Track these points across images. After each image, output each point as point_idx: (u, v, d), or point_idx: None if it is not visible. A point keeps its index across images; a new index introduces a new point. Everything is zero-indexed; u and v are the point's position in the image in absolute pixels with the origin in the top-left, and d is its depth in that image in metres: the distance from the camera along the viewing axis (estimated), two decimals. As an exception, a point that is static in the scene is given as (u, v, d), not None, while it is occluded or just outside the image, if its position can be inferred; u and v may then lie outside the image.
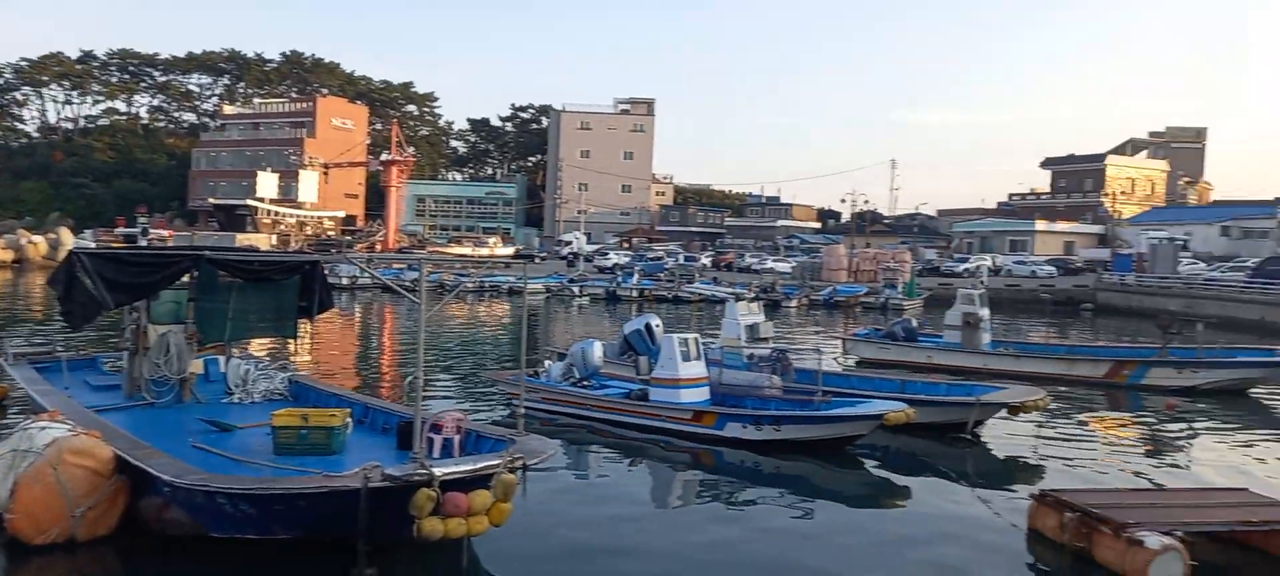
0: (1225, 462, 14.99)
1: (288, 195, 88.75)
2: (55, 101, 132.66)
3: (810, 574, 9.37)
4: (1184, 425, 18.29)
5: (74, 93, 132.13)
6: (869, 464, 14.13)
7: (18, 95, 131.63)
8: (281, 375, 14.39)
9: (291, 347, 15.35)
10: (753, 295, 24.23)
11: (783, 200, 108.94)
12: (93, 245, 75.27)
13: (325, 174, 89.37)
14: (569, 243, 79.29)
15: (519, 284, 53.06)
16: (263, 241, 67.73)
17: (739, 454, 14.32)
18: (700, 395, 15.47)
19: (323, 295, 14.52)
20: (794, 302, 48.89)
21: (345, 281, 49.78)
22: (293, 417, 10.44)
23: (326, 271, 14.90)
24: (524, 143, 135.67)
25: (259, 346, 20.09)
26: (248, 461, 9.31)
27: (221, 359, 14.07)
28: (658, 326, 19.55)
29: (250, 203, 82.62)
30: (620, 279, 55.32)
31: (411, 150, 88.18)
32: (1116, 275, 57.37)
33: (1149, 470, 14.41)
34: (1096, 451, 15.93)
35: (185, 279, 13.34)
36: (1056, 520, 9.95)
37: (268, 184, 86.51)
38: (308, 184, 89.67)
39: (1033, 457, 14.97)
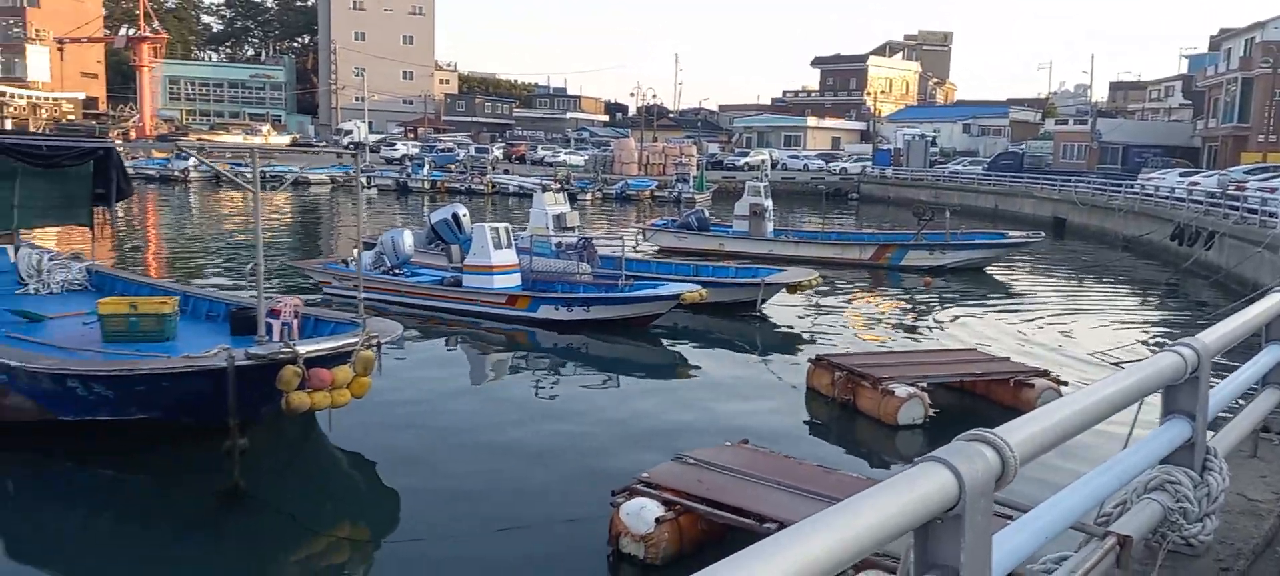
0: (963, 327, 17.86)
1: (11, 73, 78.33)
2: None
3: (620, 430, 10.70)
4: (934, 297, 21.31)
5: None
6: (667, 340, 15.68)
7: None
8: (77, 265, 13.82)
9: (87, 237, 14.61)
10: (558, 187, 25.04)
11: (569, 92, 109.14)
12: None
13: (61, 50, 79.35)
14: (350, 132, 75.91)
15: (303, 175, 50.80)
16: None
17: (551, 334, 15.44)
18: (512, 281, 16.35)
19: (121, 182, 13.84)
20: (588, 196, 50.23)
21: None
22: (121, 305, 10.34)
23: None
24: (289, 21, 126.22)
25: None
26: (81, 349, 9.26)
27: (10, 249, 13.30)
28: (465, 216, 20.09)
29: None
30: (411, 170, 54.23)
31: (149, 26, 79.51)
32: (876, 169, 63.05)
33: (902, 336, 17.00)
34: (863, 322, 18.46)
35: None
36: (829, 378, 11.78)
37: (-15, 60, 75.88)
38: (37, 60, 79.40)
39: (809, 329, 17.15)
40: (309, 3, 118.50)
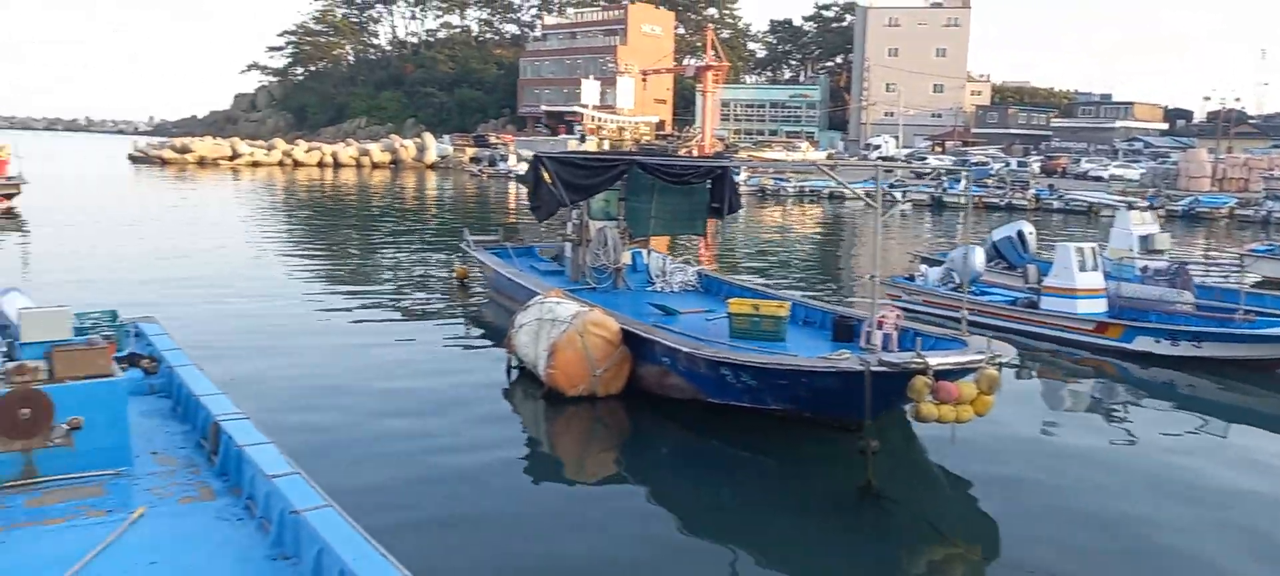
0: None
1: (606, 102, 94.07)
2: (403, 17, 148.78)
3: (1240, 494, 9.15)
4: None
5: (417, 8, 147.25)
6: (1297, 389, 13.19)
7: (372, 13, 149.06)
8: (691, 268, 15.97)
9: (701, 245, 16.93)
10: (1145, 204, 22.57)
11: (1117, 99, 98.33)
12: (450, 149, 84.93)
13: (644, 80, 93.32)
14: (877, 146, 77.29)
15: (838, 189, 52.95)
16: (592, 147, 72.59)
17: (1148, 369, 13.93)
18: (1098, 306, 15.12)
19: (732, 198, 15.80)
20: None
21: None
22: (745, 306, 11.70)
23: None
24: (826, 43, 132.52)
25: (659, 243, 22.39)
26: (715, 341, 10.68)
27: (644, 252, 15.87)
28: (1031, 233, 19.13)
29: (576, 109, 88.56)
30: (946, 185, 53.39)
31: (714, 55, 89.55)
32: None
33: None
34: None
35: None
36: None
37: (591, 91, 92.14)
38: (625, 90, 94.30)
39: None
40: (846, 23, 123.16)
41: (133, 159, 76.83)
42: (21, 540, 6.03)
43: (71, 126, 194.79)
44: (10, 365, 6.97)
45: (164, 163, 74.40)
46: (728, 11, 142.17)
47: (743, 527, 7.92)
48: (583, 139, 78.28)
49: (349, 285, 19.61)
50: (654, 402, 10.60)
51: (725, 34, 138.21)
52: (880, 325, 11.00)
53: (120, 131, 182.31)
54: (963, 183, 50.17)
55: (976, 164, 64.90)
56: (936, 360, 8.45)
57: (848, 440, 8.94)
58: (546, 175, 14.28)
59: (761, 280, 23.28)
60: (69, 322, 7.36)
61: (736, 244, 34.52)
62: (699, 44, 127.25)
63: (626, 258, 15.34)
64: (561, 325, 10.44)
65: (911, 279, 18.57)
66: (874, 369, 8.33)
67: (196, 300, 16.40)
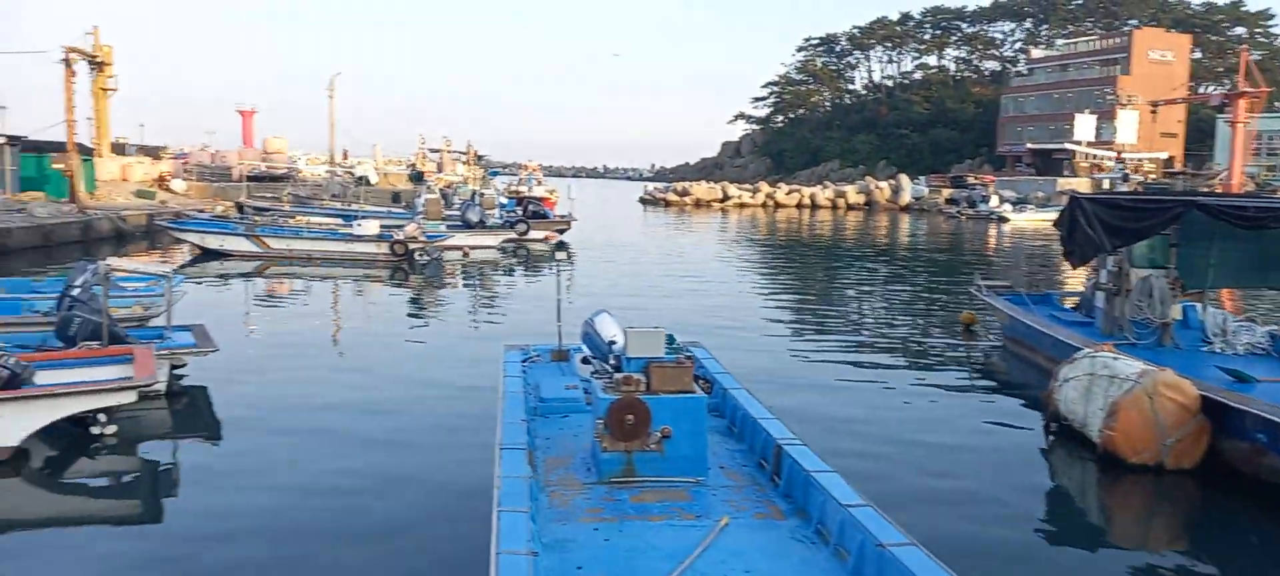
0: None
1: (1102, 137, 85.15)
2: (879, 61, 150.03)
3: None
4: None
5: (894, 52, 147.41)
6: None
7: (850, 60, 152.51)
8: (1259, 328, 13.48)
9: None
10: None
11: None
12: (926, 190, 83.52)
13: (1153, 113, 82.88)
14: None
15: None
16: (1082, 186, 66.13)
17: None
18: None
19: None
20: None
21: None
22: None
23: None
24: None
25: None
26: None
27: (1199, 306, 13.78)
28: None
29: (1068, 146, 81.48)
30: None
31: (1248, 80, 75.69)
32: None
33: None
34: None
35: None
36: None
37: (1085, 127, 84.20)
38: (1128, 124, 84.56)
39: None
40: None
41: (642, 201, 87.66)
42: (636, 530, 6.84)
43: (592, 173, 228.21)
44: (619, 376, 8.05)
45: (667, 204, 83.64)
46: (1261, 29, 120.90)
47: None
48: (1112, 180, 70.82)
49: (850, 324, 19.95)
50: (1239, 484, 9.01)
51: (1256, 55, 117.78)
52: None
53: (628, 177, 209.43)
54: None
55: None
56: None
57: None
58: (1083, 218, 13.08)
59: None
60: (663, 342, 8.29)
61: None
62: (1220, 69, 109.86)
63: (1176, 311, 13.44)
64: (1124, 383, 9.37)
65: None
66: None
67: (716, 328, 17.79)
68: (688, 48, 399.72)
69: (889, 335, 18.29)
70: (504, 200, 41.74)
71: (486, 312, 20.44)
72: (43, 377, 9.16)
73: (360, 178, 54.44)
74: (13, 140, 37.61)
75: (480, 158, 58.71)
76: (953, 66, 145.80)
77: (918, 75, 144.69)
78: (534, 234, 36.87)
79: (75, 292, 12.51)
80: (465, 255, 31.56)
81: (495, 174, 59.16)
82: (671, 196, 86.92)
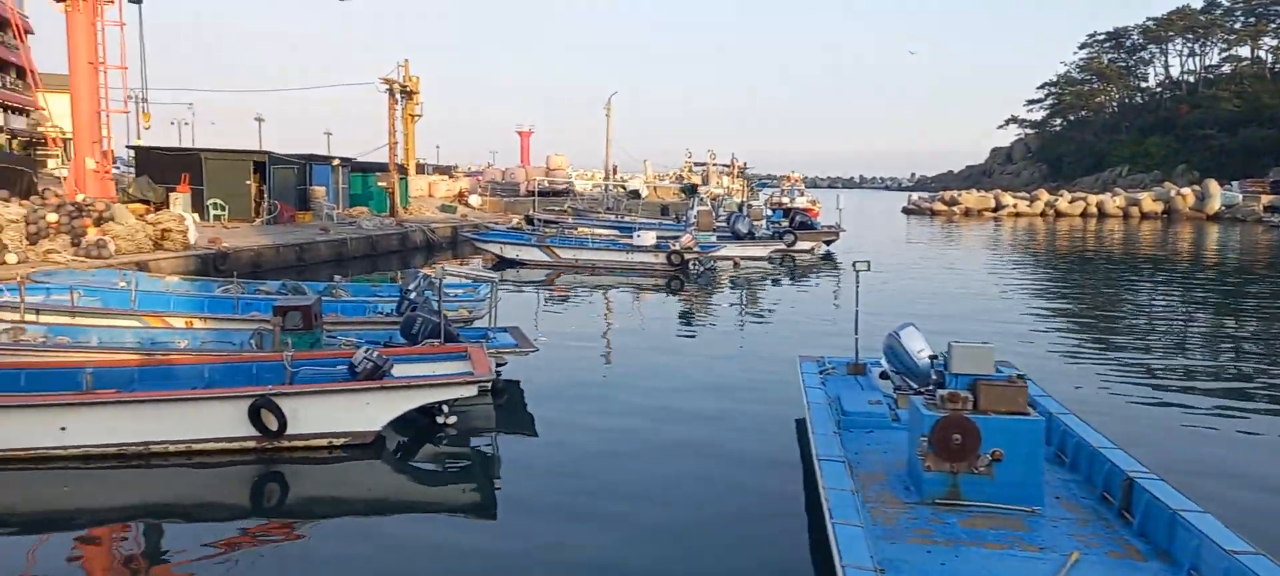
0: None
1: None
2: (1178, 55, 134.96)
3: None
4: None
5: (1196, 44, 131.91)
6: None
7: (1143, 55, 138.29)
8: None
9: None
10: None
11: None
12: (1239, 197, 74.09)
13: None
14: None
15: None
16: None
17: None
18: None
19: None
20: None
21: None
22: None
23: None
24: None
25: None
26: None
27: None
28: None
29: None
30: None
31: None
32: None
33: None
34: None
35: None
36: None
37: None
38: None
39: None
40: None
41: (906, 211, 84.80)
42: (974, 558, 6.52)
43: (848, 183, 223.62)
44: (944, 392, 7.74)
45: (933, 213, 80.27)
46: None
47: None
48: None
49: (1175, 346, 18.14)
50: None
51: None
52: None
53: (886, 187, 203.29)
54: None
55: None
56: None
57: None
58: None
59: None
60: (992, 358, 7.88)
61: None
62: None
63: None
64: None
65: None
66: None
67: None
68: (954, 51, 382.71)
69: (1239, 364, 16.27)
70: (769, 211, 41.86)
71: (761, 322, 20.51)
72: (397, 371, 10.27)
73: (632, 192, 56.72)
74: (345, 161, 42.82)
75: (745, 170, 59.23)
76: (1269, 58, 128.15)
77: (1225, 69, 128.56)
78: (801, 244, 36.69)
79: (412, 296, 14.02)
80: (736, 265, 31.94)
81: (762, 186, 59.47)
82: (939, 205, 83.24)
